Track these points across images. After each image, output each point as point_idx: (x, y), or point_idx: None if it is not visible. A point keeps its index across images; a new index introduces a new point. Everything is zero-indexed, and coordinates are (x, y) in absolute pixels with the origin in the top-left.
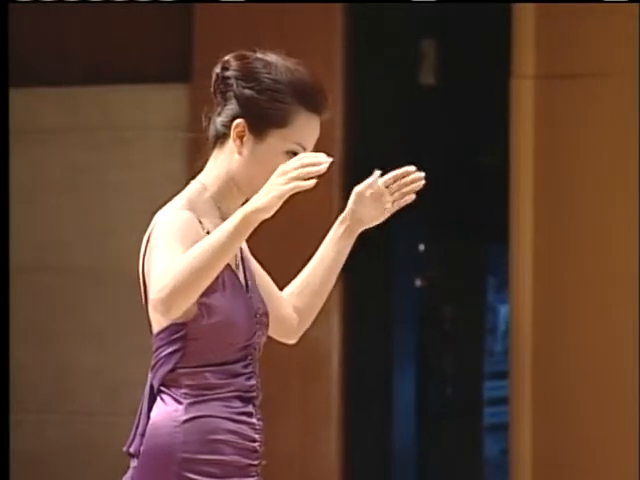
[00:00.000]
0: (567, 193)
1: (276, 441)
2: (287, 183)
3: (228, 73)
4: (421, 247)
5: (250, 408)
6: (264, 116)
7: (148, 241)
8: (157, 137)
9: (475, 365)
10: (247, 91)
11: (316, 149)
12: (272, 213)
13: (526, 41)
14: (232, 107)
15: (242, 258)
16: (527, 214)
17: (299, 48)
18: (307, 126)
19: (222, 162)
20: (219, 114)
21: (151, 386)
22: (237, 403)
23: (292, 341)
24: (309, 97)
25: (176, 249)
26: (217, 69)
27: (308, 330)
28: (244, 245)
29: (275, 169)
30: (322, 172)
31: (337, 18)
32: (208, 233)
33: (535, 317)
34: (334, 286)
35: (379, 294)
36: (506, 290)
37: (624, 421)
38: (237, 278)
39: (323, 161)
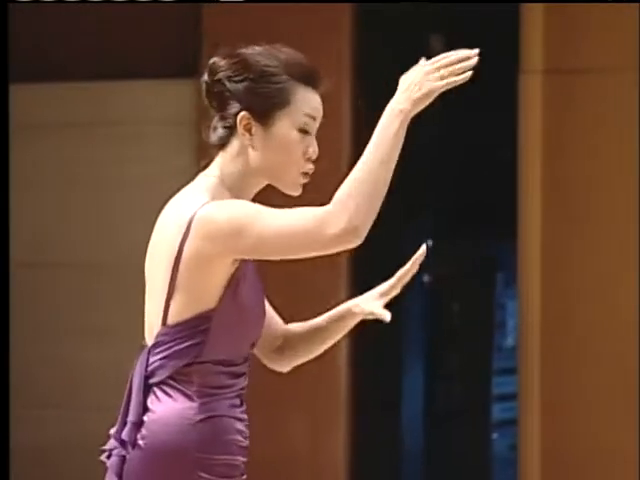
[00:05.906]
0: (576, 189)
1: (284, 440)
2: (440, 79)
3: (218, 76)
4: (429, 243)
5: (244, 406)
6: (266, 101)
7: (189, 235)
8: (166, 132)
9: (483, 361)
10: (241, 84)
11: (323, 144)
12: (425, 105)
13: (534, 36)
14: (232, 106)
15: None
16: (535, 210)
17: (307, 47)
18: (309, 98)
19: (236, 160)
20: (220, 119)
21: (146, 376)
22: (238, 403)
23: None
24: (303, 72)
25: (267, 210)
26: (205, 76)
27: None
28: None
29: (292, 150)
30: (473, 65)
31: (345, 16)
32: None
33: (543, 313)
34: (341, 283)
35: None
36: (514, 286)
37: (632, 417)
38: (255, 272)
39: (472, 54)
